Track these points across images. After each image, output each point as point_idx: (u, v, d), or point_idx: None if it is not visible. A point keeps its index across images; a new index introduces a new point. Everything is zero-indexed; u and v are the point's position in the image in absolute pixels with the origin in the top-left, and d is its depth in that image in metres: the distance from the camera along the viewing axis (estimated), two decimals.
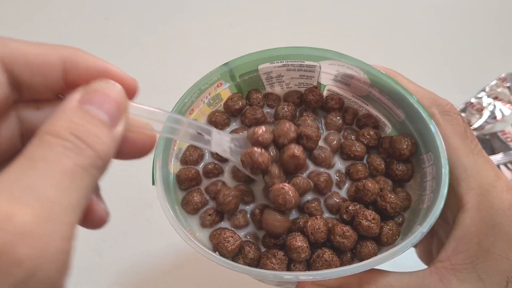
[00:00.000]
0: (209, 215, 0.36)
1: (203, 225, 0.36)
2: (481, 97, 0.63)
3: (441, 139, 0.34)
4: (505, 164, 0.57)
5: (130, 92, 0.25)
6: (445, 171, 0.33)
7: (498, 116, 0.61)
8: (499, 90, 0.62)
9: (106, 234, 0.57)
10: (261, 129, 0.34)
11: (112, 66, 0.25)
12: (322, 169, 0.38)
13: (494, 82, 0.62)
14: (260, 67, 0.39)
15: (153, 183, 0.34)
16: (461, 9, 0.73)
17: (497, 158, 0.57)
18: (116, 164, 0.25)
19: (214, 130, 0.32)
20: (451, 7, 0.73)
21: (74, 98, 0.22)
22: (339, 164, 0.39)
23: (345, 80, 0.39)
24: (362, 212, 0.34)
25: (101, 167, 0.21)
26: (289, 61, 0.38)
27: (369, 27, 0.72)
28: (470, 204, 0.34)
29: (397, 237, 0.35)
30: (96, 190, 0.26)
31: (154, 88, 0.67)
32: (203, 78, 0.37)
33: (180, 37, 0.72)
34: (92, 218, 0.25)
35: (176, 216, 0.33)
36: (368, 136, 0.39)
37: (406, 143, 0.37)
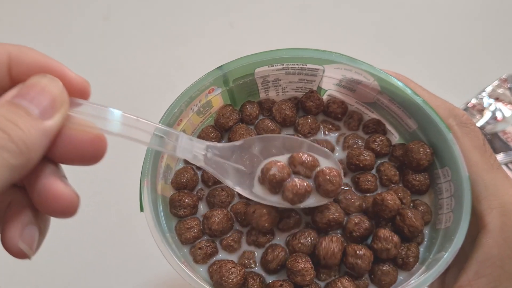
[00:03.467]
0: (199, 248, 0.33)
1: (196, 260, 0.33)
2: (482, 98, 0.62)
3: (460, 153, 0.32)
4: (506, 164, 0.57)
5: (80, 91, 0.25)
6: (467, 189, 0.31)
7: (499, 116, 0.60)
8: (500, 91, 0.61)
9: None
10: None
11: (56, 62, 0.25)
12: None
13: (495, 83, 0.62)
14: (257, 70, 0.35)
15: (141, 209, 0.30)
16: (462, 10, 0.73)
17: (498, 158, 0.57)
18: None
19: (182, 135, 0.29)
20: (452, 8, 0.73)
21: (10, 93, 0.22)
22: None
23: (351, 86, 0.36)
24: (378, 233, 0.31)
25: (17, 154, 0.21)
26: (290, 64, 0.35)
27: (368, 27, 0.72)
28: (492, 224, 0.32)
29: (416, 260, 0.32)
30: (58, 174, 0.24)
31: (154, 88, 0.66)
32: (195, 84, 0.33)
33: (180, 37, 0.71)
34: (59, 204, 0.23)
35: (169, 246, 0.30)
36: (379, 142, 0.36)
37: (424, 152, 0.34)
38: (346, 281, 0.31)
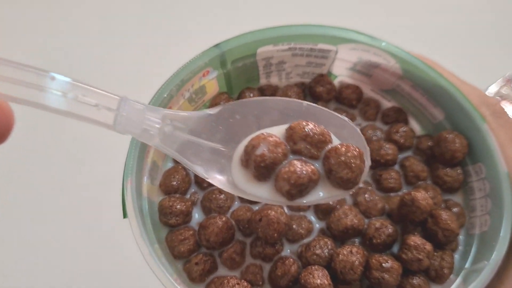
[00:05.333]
0: (196, 264, 0.27)
1: (191, 278, 0.27)
2: None
3: (497, 146, 0.28)
4: None
5: None
6: (506, 187, 0.27)
7: None
8: (504, 90, 0.59)
9: None
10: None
11: None
12: None
13: (499, 82, 0.60)
14: (259, 50, 0.30)
15: (124, 216, 0.25)
16: (465, 7, 0.72)
17: None
18: None
19: (126, 99, 0.21)
20: (455, 5, 0.72)
21: None
22: None
23: (367, 70, 0.32)
24: (407, 240, 0.27)
25: None
26: (298, 44, 0.30)
27: (369, 27, 0.68)
28: None
29: (451, 272, 0.28)
30: None
31: (154, 88, 0.62)
32: (187, 64, 0.28)
33: (180, 37, 0.67)
34: None
35: (158, 259, 0.24)
36: (403, 133, 0.31)
37: (461, 142, 0.29)
38: None
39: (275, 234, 0.27)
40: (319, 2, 0.70)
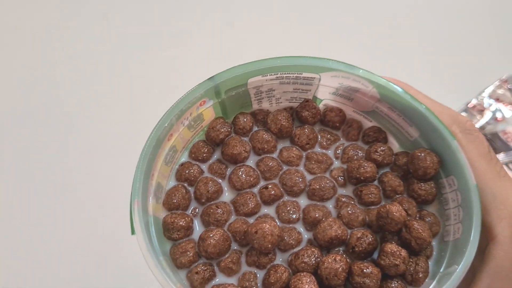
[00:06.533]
0: (196, 273, 0.31)
1: (193, 286, 0.31)
2: (482, 99, 0.63)
3: (466, 161, 0.31)
4: (506, 164, 0.58)
5: None
6: (475, 198, 0.30)
7: (499, 117, 0.61)
8: (500, 91, 0.62)
9: None
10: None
11: None
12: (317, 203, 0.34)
13: (495, 84, 0.62)
14: (250, 80, 0.34)
15: (132, 233, 0.28)
16: (462, 10, 0.74)
17: (499, 158, 0.56)
18: None
19: None
20: (452, 8, 0.74)
21: None
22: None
23: (348, 94, 0.35)
24: (384, 248, 0.30)
25: None
26: (284, 73, 0.34)
27: (368, 27, 0.72)
28: (502, 235, 0.31)
29: (426, 275, 0.31)
30: None
31: (154, 88, 0.66)
32: (185, 96, 0.32)
33: (180, 37, 0.71)
34: None
35: (163, 270, 0.28)
36: (381, 152, 0.35)
37: (432, 159, 0.32)
38: None
39: (269, 245, 0.30)
40: (303, 34, 0.72)
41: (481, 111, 0.62)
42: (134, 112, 0.63)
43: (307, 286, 0.29)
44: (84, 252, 0.56)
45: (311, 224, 0.33)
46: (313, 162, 0.35)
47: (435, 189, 0.33)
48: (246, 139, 0.36)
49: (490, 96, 0.63)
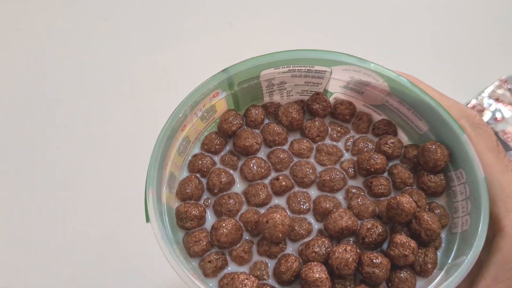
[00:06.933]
0: (209, 262, 0.31)
1: (205, 274, 0.31)
2: (482, 99, 0.63)
3: (475, 154, 0.31)
4: None
5: None
6: (484, 191, 0.30)
7: (499, 117, 0.61)
8: (500, 92, 0.62)
9: None
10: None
11: None
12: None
13: (495, 84, 0.62)
14: (262, 73, 0.34)
15: (147, 220, 0.29)
16: (462, 10, 0.74)
17: None
18: None
19: None
20: (452, 8, 0.74)
21: None
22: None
23: (358, 88, 0.36)
24: (394, 239, 0.30)
25: None
26: (296, 66, 0.34)
27: (368, 27, 0.72)
28: (509, 227, 0.31)
29: (435, 266, 0.31)
30: None
31: (154, 89, 0.67)
32: (199, 87, 0.32)
33: (180, 37, 0.71)
34: None
35: (177, 258, 0.28)
36: (391, 144, 0.35)
37: (442, 152, 0.33)
38: None
39: (280, 235, 0.31)
40: (316, 26, 0.72)
41: (481, 111, 0.62)
42: (133, 113, 0.63)
43: (317, 275, 0.29)
44: (84, 252, 0.56)
45: (322, 214, 0.33)
46: (323, 154, 0.36)
47: (444, 182, 0.34)
48: (257, 131, 0.36)
49: (490, 96, 0.63)
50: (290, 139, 0.37)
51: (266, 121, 0.37)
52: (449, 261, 0.31)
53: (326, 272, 0.30)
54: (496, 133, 0.59)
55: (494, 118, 0.61)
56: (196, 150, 0.36)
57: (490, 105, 0.62)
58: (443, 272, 0.31)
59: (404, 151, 0.36)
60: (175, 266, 0.28)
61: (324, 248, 0.31)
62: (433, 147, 0.33)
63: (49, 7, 0.73)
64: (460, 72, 0.67)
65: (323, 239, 0.32)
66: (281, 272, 0.31)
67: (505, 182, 0.32)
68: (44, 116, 0.64)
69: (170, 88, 0.63)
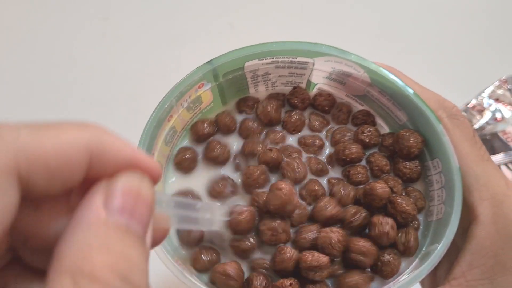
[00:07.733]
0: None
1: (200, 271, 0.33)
2: (482, 99, 0.63)
3: (451, 144, 0.32)
4: (506, 164, 0.58)
5: (154, 180, 0.20)
6: (458, 180, 0.31)
7: (499, 117, 0.61)
8: (500, 92, 0.62)
9: None
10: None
11: (140, 153, 0.19)
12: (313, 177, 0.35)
13: (495, 84, 0.63)
14: (246, 64, 0.35)
15: None
16: (461, 10, 0.74)
17: (498, 158, 0.58)
18: None
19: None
20: (452, 7, 0.74)
21: (97, 202, 0.17)
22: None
23: (341, 78, 0.37)
24: (373, 220, 0.32)
25: None
26: (280, 57, 0.35)
27: (368, 28, 0.72)
28: (484, 215, 0.32)
29: (417, 244, 0.33)
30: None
31: (155, 89, 0.65)
32: (185, 79, 0.34)
33: (180, 37, 0.71)
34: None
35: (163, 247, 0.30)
36: (368, 133, 0.36)
37: (415, 139, 0.34)
38: (356, 274, 0.31)
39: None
40: (316, 27, 0.72)
41: (481, 111, 0.62)
42: (133, 110, 0.64)
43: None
44: None
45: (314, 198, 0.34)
46: (301, 146, 0.37)
47: (419, 168, 0.35)
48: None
49: (490, 96, 0.63)
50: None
51: (242, 117, 0.38)
52: (423, 249, 0.32)
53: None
54: (496, 133, 0.60)
55: (494, 118, 0.61)
56: (185, 142, 0.38)
57: (490, 105, 0.62)
58: (417, 259, 0.32)
59: (381, 139, 0.37)
60: (163, 256, 0.29)
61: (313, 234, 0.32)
62: (407, 134, 0.34)
63: (49, 7, 0.74)
64: (460, 72, 0.67)
65: (313, 226, 0.33)
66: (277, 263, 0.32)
67: (480, 171, 0.33)
68: (44, 116, 0.64)
69: (169, 88, 0.63)
